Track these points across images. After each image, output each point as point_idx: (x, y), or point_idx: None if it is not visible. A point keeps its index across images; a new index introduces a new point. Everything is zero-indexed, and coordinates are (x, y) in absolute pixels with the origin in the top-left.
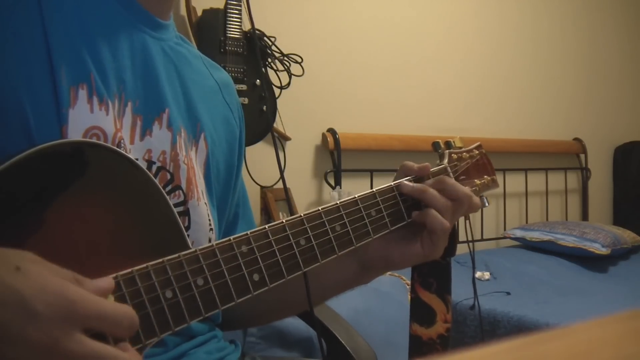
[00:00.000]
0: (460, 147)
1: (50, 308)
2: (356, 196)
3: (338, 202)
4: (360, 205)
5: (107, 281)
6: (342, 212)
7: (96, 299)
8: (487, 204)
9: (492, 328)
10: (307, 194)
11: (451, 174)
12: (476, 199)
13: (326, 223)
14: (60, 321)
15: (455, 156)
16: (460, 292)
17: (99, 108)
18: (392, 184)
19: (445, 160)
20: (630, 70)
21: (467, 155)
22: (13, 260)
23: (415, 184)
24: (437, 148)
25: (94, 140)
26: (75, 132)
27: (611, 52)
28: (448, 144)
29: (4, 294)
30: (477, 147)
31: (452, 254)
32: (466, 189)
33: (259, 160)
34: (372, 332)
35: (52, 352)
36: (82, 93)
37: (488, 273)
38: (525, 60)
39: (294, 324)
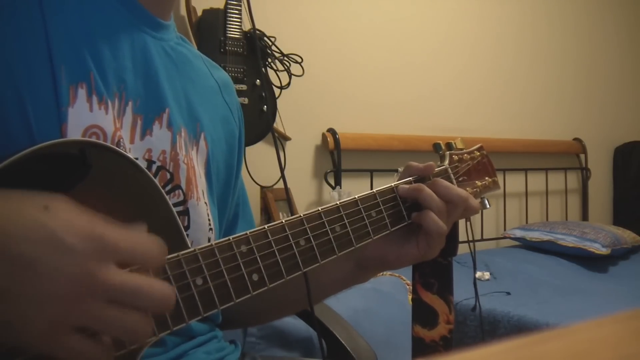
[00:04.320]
0: (462, 149)
1: (82, 242)
2: (356, 197)
3: (338, 203)
4: (361, 206)
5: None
6: (342, 213)
7: (123, 231)
8: (488, 206)
9: (492, 328)
10: (307, 194)
11: (452, 175)
12: (474, 201)
13: (326, 223)
14: (93, 253)
15: (456, 157)
16: (460, 292)
17: (98, 107)
18: (393, 184)
19: (446, 162)
20: (630, 70)
21: (468, 156)
22: (41, 200)
23: (410, 185)
24: (438, 149)
25: (93, 139)
26: (74, 131)
27: (611, 52)
28: (449, 145)
29: (35, 230)
30: (479, 149)
31: (453, 254)
32: (461, 191)
33: (259, 160)
34: (372, 332)
35: (88, 284)
36: (82, 92)
37: (488, 273)
38: (525, 60)
39: (294, 324)
